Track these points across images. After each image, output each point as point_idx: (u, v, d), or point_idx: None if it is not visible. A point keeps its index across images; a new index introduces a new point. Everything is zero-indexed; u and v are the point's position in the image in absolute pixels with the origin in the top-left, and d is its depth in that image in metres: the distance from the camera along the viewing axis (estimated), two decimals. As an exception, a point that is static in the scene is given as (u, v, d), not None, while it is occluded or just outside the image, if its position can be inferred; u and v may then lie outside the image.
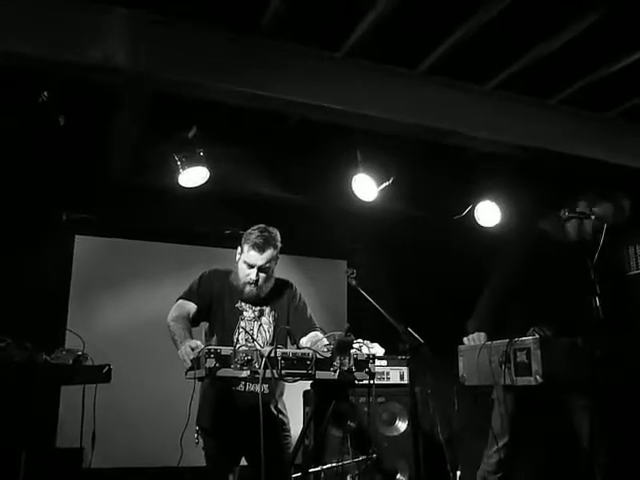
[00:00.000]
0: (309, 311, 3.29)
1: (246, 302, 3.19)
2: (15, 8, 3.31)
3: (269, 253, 3.09)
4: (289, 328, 3.14)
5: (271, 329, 3.19)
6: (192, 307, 3.11)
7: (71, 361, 2.28)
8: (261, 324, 3.18)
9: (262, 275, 3.11)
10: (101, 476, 4.29)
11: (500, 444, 3.25)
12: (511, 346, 2.78)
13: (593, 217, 3.20)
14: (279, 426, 3.13)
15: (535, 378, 2.65)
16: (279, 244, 3.17)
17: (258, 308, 3.20)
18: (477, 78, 4.27)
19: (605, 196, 3.34)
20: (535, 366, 2.66)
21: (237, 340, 3.09)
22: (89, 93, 4.16)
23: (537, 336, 2.80)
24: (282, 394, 3.23)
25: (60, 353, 2.26)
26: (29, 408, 2.58)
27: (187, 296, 3.15)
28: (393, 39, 3.82)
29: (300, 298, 3.31)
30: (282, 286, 3.30)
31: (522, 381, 2.72)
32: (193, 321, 3.10)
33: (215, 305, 3.18)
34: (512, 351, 2.77)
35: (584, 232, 3.34)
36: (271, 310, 3.22)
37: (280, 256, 3.22)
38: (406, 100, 4.14)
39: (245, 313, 3.17)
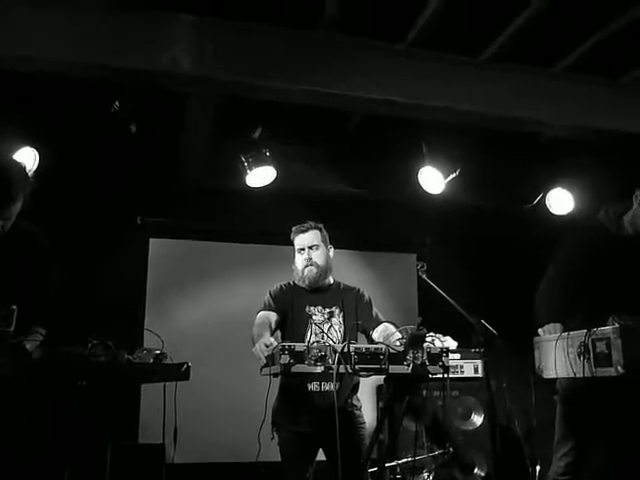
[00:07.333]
0: (375, 309, 3.34)
1: (315, 305, 3.26)
2: (82, 19, 3.46)
3: (312, 232, 3.33)
4: (360, 322, 3.19)
5: (342, 329, 3.24)
6: (273, 315, 3.20)
7: (151, 360, 2.36)
8: (331, 325, 3.24)
9: (314, 253, 3.29)
10: (183, 471, 4.41)
11: (566, 448, 3.11)
12: (590, 336, 2.69)
13: None
14: (354, 420, 3.15)
15: (616, 369, 2.56)
16: (323, 230, 3.39)
17: (327, 310, 3.27)
18: (544, 61, 4.15)
19: None
20: (616, 356, 2.57)
21: (308, 341, 3.11)
22: (158, 100, 4.29)
23: (617, 325, 2.70)
24: (356, 390, 3.24)
25: (141, 352, 2.35)
26: (114, 405, 2.69)
27: (266, 307, 3.25)
28: (455, 28, 3.77)
29: (366, 297, 3.37)
30: (349, 290, 3.39)
31: (602, 372, 2.64)
32: (276, 328, 3.20)
33: (287, 313, 3.26)
34: (591, 341, 2.69)
35: None
36: (340, 311, 3.28)
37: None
38: (471, 89, 4.08)
39: (315, 317, 3.24)
